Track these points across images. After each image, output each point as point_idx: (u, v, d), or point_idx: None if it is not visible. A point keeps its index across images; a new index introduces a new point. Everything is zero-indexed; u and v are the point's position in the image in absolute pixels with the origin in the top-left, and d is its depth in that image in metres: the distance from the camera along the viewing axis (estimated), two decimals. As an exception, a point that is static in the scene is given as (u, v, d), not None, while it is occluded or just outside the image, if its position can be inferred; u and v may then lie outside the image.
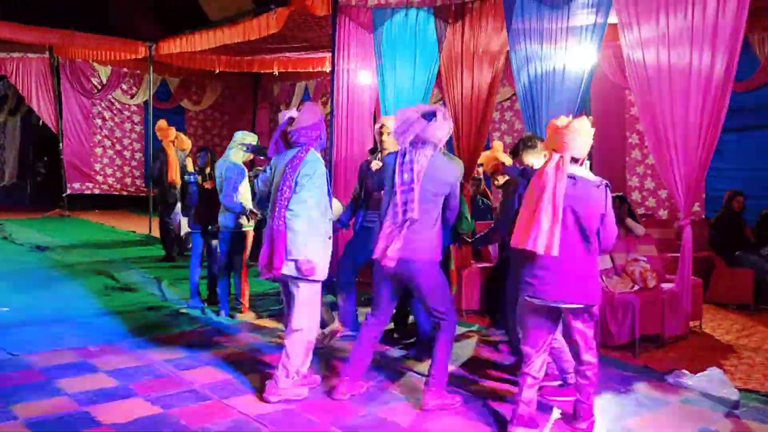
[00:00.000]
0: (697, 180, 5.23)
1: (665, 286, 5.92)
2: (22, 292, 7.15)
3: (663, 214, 9.76)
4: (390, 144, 5.18)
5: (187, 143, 9.34)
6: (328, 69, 10.40)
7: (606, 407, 4.29)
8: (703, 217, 9.01)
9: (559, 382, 4.49)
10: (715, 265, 7.54)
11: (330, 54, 7.70)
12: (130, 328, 5.89)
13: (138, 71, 15.64)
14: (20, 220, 13.59)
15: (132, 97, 16.17)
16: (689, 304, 5.70)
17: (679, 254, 5.64)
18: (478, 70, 6.69)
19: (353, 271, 5.63)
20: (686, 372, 4.78)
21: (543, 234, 3.61)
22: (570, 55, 5.74)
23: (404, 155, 4.11)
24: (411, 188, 4.03)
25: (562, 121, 3.89)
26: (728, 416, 4.19)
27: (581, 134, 3.78)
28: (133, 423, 3.86)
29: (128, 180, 16.31)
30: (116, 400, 4.19)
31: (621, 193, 6.92)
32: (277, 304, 6.72)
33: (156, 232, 11.80)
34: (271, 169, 4.54)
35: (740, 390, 4.56)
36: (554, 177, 3.68)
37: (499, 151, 5.88)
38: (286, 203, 4.23)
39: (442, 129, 4.08)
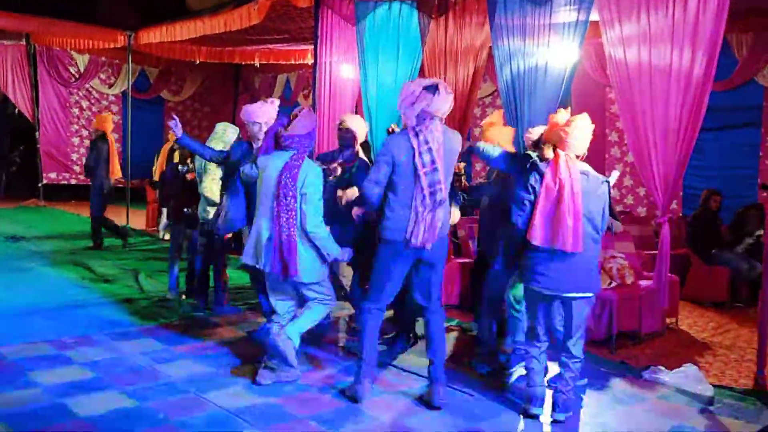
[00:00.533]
0: (676, 178, 5.27)
1: (643, 283, 5.97)
2: (-5, 283, 7.04)
3: (641, 211, 9.85)
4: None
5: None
6: (310, 61, 10.34)
7: (583, 403, 4.33)
8: (681, 214, 9.11)
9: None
10: (692, 263, 7.63)
11: (312, 46, 7.66)
12: (106, 320, 5.82)
13: (117, 61, 15.43)
14: (-6, 210, 13.38)
15: (110, 86, 15.95)
16: (666, 301, 5.75)
17: (656, 251, 5.69)
18: (461, 65, 6.69)
19: None
20: (662, 368, 4.83)
21: (569, 232, 3.83)
22: (552, 51, 5.75)
23: (417, 135, 3.97)
24: (434, 168, 3.93)
25: (562, 117, 4.10)
26: (703, 412, 4.25)
27: (585, 132, 4.05)
28: (108, 415, 3.82)
29: (106, 171, 16.09)
30: (92, 393, 4.14)
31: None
32: (255, 297, 6.69)
33: (138, 223, 11.71)
34: (256, 167, 4.52)
35: (715, 386, 4.62)
36: (570, 176, 3.89)
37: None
38: (294, 214, 4.26)
39: (447, 102, 4.02)
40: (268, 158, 4.44)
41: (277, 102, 5.20)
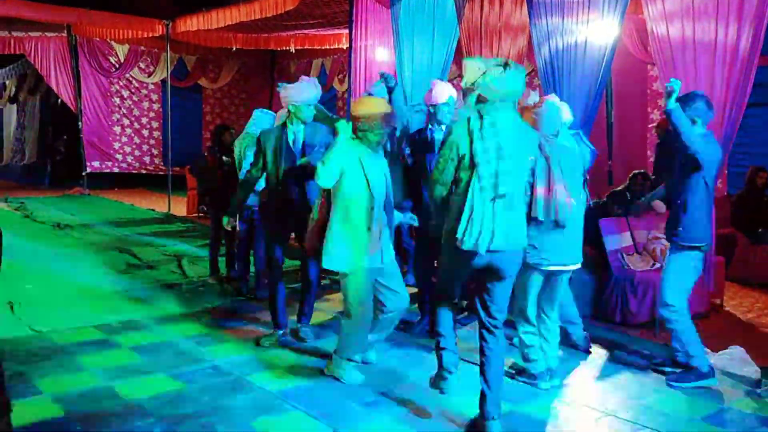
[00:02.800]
0: (721, 156, 5.15)
1: (687, 263, 5.86)
2: (44, 270, 7.23)
3: (684, 191, 9.63)
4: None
5: None
6: (345, 46, 10.33)
7: (626, 385, 4.28)
8: (726, 194, 8.89)
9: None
10: (737, 243, 7.45)
11: (347, 30, 7.65)
12: (151, 304, 5.95)
13: (155, 49, 15.63)
14: (41, 199, 13.73)
15: (149, 75, 16.18)
16: (711, 282, 5.64)
17: (701, 231, 5.57)
18: (498, 45, 6.60)
19: None
20: (707, 350, 4.74)
21: (564, 205, 3.96)
22: (592, 29, 5.64)
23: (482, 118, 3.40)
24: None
25: (532, 99, 4.27)
26: (749, 395, 4.17)
27: (554, 112, 4.14)
28: (156, 398, 3.91)
29: (147, 158, 16.39)
30: (139, 376, 4.25)
31: (643, 170, 6.83)
32: (295, 281, 6.77)
33: (179, 210, 11.91)
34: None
35: (762, 368, 4.52)
36: (551, 151, 3.99)
37: None
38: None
39: (518, 81, 3.41)
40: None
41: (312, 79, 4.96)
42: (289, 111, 4.78)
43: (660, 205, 6.50)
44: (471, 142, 3.36)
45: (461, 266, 3.52)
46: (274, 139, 4.75)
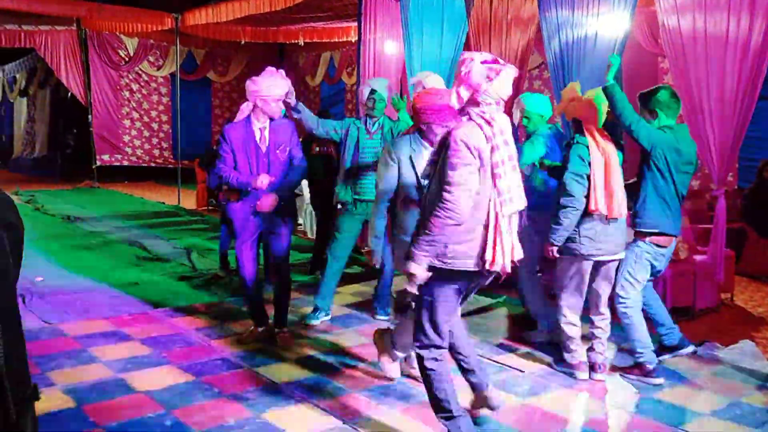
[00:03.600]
0: (732, 149, 5.12)
1: (697, 257, 5.84)
2: (55, 262, 7.28)
3: (694, 184, 9.57)
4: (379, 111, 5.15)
5: None
6: (354, 39, 10.33)
7: (637, 379, 4.28)
8: (736, 187, 8.84)
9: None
10: (748, 237, 7.41)
11: (356, 23, 7.64)
12: (161, 297, 5.98)
13: (164, 43, 15.67)
14: (51, 192, 13.81)
15: (159, 68, 16.22)
16: (722, 276, 5.62)
17: (710, 225, 5.55)
18: (508, 38, 6.58)
19: None
20: (718, 344, 4.74)
21: (619, 201, 4.02)
22: (602, 21, 5.61)
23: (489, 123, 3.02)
24: (514, 167, 3.09)
25: (573, 90, 4.24)
26: (760, 389, 4.15)
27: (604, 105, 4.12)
28: (167, 390, 3.94)
29: (156, 152, 16.45)
30: (149, 368, 4.27)
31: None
32: (305, 275, 6.79)
33: (189, 203, 11.95)
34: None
35: (773, 363, 4.52)
36: (607, 148, 4.02)
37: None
38: None
39: (506, 83, 3.03)
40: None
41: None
42: (255, 105, 4.52)
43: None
44: None
45: None
46: (241, 134, 4.51)
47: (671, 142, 4.08)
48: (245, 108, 4.65)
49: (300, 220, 9.15)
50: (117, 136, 15.79)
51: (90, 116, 15.10)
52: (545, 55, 6.11)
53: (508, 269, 3.10)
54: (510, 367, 4.42)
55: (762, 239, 7.31)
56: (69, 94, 15.57)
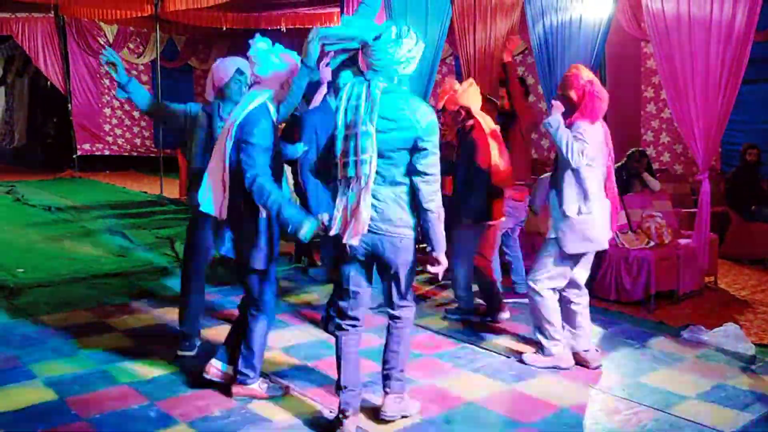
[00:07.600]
0: (716, 133, 5.14)
1: (681, 241, 5.87)
2: (36, 254, 7.18)
3: (678, 169, 9.63)
4: None
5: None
6: (336, 24, 10.22)
7: (622, 363, 4.30)
8: (719, 171, 8.89)
9: None
10: (731, 220, 7.47)
11: (338, 9, 7.56)
12: (144, 287, 5.91)
13: (144, 30, 15.45)
14: (31, 182, 13.61)
15: (139, 56, 16.01)
16: (706, 260, 5.65)
17: (694, 209, 5.58)
18: (492, 23, 6.53)
19: None
20: (702, 327, 4.77)
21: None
22: (586, 5, 5.60)
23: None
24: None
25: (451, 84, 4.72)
26: (744, 371, 4.19)
27: None
28: (150, 381, 3.90)
29: (137, 141, 16.27)
30: (134, 359, 4.22)
31: (641, 148, 6.83)
32: (286, 265, 6.75)
33: (171, 192, 11.84)
34: None
35: (756, 345, 4.55)
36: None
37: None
38: None
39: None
40: None
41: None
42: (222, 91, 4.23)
43: (655, 184, 6.52)
44: None
45: None
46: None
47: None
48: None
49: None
50: (97, 125, 15.59)
51: (69, 105, 14.88)
52: (529, 40, 6.07)
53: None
54: (498, 353, 4.42)
55: (745, 222, 7.36)
56: (48, 82, 15.34)
